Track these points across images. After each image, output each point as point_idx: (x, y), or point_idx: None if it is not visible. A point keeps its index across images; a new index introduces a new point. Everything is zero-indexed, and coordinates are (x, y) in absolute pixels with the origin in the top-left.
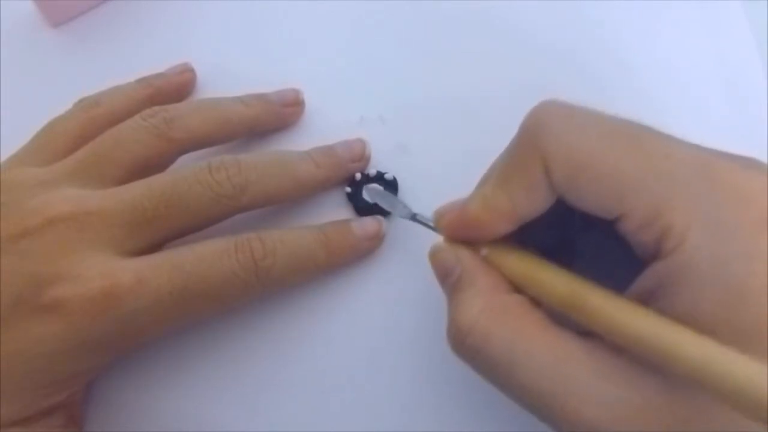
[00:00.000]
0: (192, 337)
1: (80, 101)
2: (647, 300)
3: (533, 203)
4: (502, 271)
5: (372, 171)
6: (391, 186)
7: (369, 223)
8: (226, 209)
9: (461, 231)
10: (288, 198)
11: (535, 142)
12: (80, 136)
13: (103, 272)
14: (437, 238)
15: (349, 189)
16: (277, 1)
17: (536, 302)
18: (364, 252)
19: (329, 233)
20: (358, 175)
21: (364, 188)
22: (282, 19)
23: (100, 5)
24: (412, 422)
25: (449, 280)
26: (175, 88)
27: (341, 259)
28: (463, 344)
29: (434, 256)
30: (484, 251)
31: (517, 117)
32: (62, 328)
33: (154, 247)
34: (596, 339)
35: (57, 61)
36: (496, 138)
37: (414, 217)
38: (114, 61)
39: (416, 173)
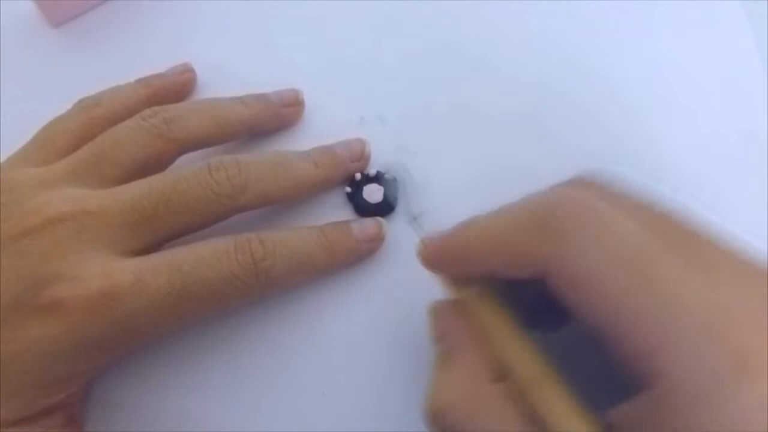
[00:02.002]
0: (192, 337)
1: (80, 101)
2: (622, 430)
3: (518, 273)
4: (477, 318)
5: (372, 171)
6: (391, 186)
7: (369, 225)
8: (225, 209)
9: (451, 256)
10: (288, 198)
11: (542, 248)
12: (80, 137)
13: (101, 273)
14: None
15: (349, 189)
16: (277, 1)
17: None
18: (364, 254)
19: (329, 234)
20: (358, 175)
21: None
22: (282, 19)
23: (100, 5)
24: (412, 423)
25: (439, 345)
26: (176, 88)
27: (341, 261)
28: (441, 420)
29: (432, 313)
30: (467, 293)
31: (517, 117)
32: (61, 328)
33: (154, 246)
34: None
35: (57, 61)
36: (496, 138)
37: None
38: (114, 61)
39: (416, 173)
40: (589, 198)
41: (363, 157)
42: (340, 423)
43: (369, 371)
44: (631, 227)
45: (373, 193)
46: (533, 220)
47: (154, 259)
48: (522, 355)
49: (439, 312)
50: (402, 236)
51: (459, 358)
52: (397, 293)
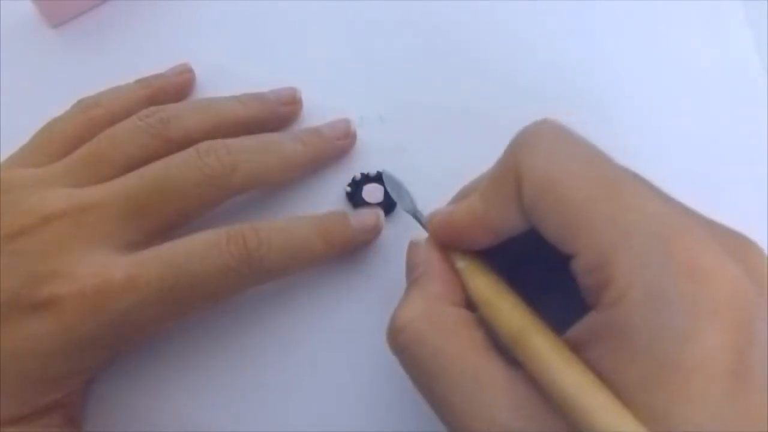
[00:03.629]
0: (191, 337)
1: (79, 102)
2: (579, 348)
3: (507, 219)
4: (467, 287)
5: (372, 171)
6: (391, 186)
7: (366, 215)
8: (218, 191)
9: (446, 235)
10: (279, 178)
11: (514, 158)
12: (79, 137)
13: (96, 270)
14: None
15: (348, 189)
16: (276, 1)
17: (482, 323)
18: (360, 244)
19: (326, 223)
20: (358, 175)
21: (382, 173)
22: (282, 19)
23: (100, 5)
24: (411, 420)
25: (411, 275)
26: (175, 88)
27: (337, 250)
28: (395, 339)
29: (409, 248)
30: (461, 264)
31: (516, 117)
32: (58, 325)
33: (152, 238)
34: (522, 370)
35: (56, 61)
36: (495, 138)
37: (415, 214)
38: (113, 61)
39: (415, 173)
40: (553, 123)
41: (349, 135)
42: (340, 422)
43: (369, 371)
44: (594, 149)
45: (372, 193)
46: (507, 153)
47: (147, 254)
48: (513, 307)
49: (417, 245)
50: (402, 236)
51: (428, 282)
52: (397, 292)
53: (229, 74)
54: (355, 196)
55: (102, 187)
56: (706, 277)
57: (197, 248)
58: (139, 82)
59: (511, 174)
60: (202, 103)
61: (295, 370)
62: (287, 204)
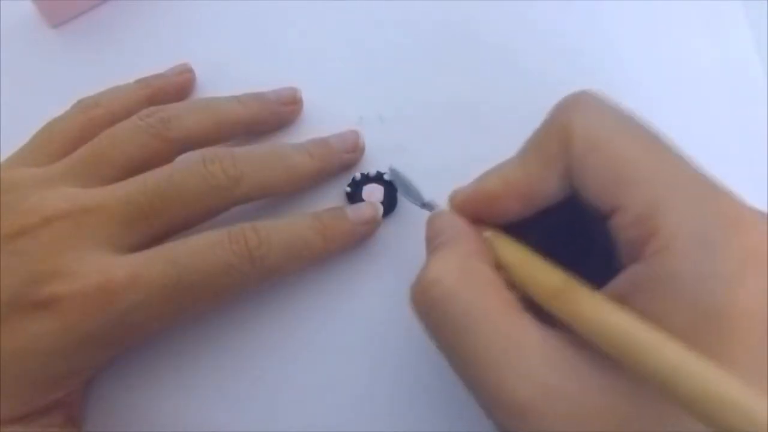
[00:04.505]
0: (191, 337)
1: (79, 102)
2: (620, 301)
3: (547, 183)
4: (497, 253)
5: (372, 171)
6: (391, 186)
7: (364, 208)
8: (221, 201)
9: (474, 207)
10: (284, 189)
11: (561, 118)
12: (79, 137)
13: (98, 269)
14: None
15: (348, 189)
16: (276, 1)
17: (511, 285)
18: (359, 237)
19: (324, 219)
20: (358, 175)
21: (389, 170)
22: (281, 19)
23: (100, 5)
24: (411, 420)
25: (436, 240)
26: (175, 88)
27: (337, 245)
28: (425, 294)
29: (431, 220)
30: (487, 233)
31: (516, 117)
32: (59, 325)
33: (153, 242)
34: (556, 330)
35: (56, 61)
36: (495, 138)
37: (424, 205)
38: (113, 62)
39: (415, 173)
40: (596, 92)
41: (357, 148)
42: (340, 422)
43: (369, 370)
44: (637, 116)
45: (373, 193)
46: (553, 115)
47: (149, 253)
48: (549, 267)
49: (437, 216)
50: (402, 235)
51: (458, 242)
52: (398, 292)
53: (229, 74)
54: (355, 196)
55: (104, 190)
56: (747, 227)
57: (199, 247)
58: (139, 82)
59: (559, 134)
60: (203, 103)
61: (295, 370)
62: (287, 204)
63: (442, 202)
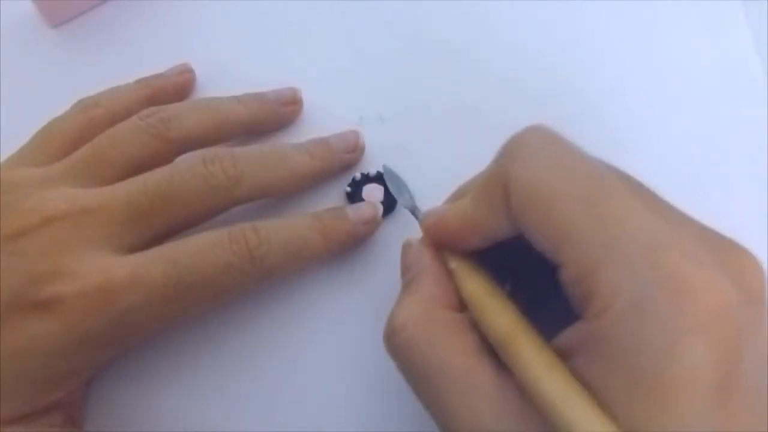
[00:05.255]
0: (191, 337)
1: (79, 102)
2: (566, 355)
3: (496, 224)
4: (459, 288)
5: (372, 171)
6: (391, 186)
7: (364, 208)
8: (221, 201)
9: (438, 235)
10: (284, 189)
11: (503, 165)
12: (79, 137)
13: (98, 269)
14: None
15: (348, 189)
16: (276, 1)
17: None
18: (359, 237)
19: (324, 219)
20: (358, 175)
21: (382, 167)
22: (282, 19)
23: (100, 5)
24: (411, 420)
25: (406, 277)
26: (175, 88)
27: (337, 245)
28: (390, 340)
29: (403, 249)
30: (453, 264)
31: (516, 117)
32: (59, 325)
33: (153, 242)
34: (514, 377)
35: (56, 61)
36: (495, 138)
37: (413, 210)
38: (114, 61)
39: (415, 173)
40: (545, 129)
41: (357, 148)
42: (340, 422)
43: (369, 371)
44: (584, 157)
45: (372, 193)
46: (497, 159)
47: (150, 253)
48: (502, 311)
49: (411, 246)
50: (402, 235)
51: (422, 285)
52: (397, 292)
53: (229, 74)
54: (355, 197)
55: (104, 190)
56: (690, 290)
57: (199, 247)
58: (139, 82)
59: (499, 181)
60: (203, 103)
61: (295, 371)
62: (287, 204)
63: (439, 203)
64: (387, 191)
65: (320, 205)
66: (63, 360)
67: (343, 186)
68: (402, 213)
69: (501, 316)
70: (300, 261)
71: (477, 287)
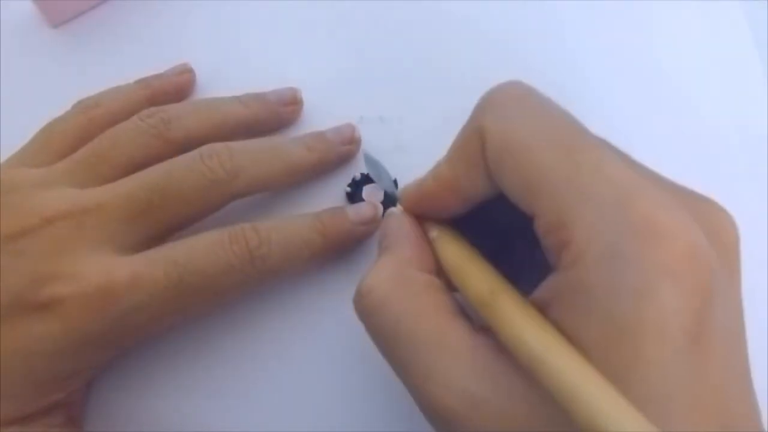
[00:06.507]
0: (192, 337)
1: (79, 102)
2: (543, 308)
3: (474, 183)
4: (439, 255)
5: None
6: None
7: (364, 208)
8: (220, 195)
9: (417, 204)
10: (282, 182)
11: (478, 119)
12: (79, 137)
13: (99, 270)
14: None
15: (348, 189)
16: (277, 1)
17: (451, 289)
18: (359, 237)
19: (324, 219)
20: (358, 175)
21: (363, 154)
22: (282, 19)
23: (100, 5)
24: (411, 420)
25: (383, 242)
26: (175, 88)
27: (337, 245)
28: (360, 303)
29: (384, 218)
30: (434, 233)
31: None
32: (60, 326)
33: (154, 240)
34: (489, 337)
35: (57, 61)
36: None
37: (393, 193)
38: (114, 62)
39: (415, 173)
40: (520, 84)
41: (353, 140)
42: (340, 422)
43: (369, 371)
44: (560, 112)
45: (373, 194)
46: (473, 115)
47: (151, 254)
48: (483, 272)
49: (392, 214)
50: None
51: (397, 248)
52: None
53: (229, 74)
54: (355, 197)
55: (103, 189)
56: (662, 236)
57: (200, 247)
58: (139, 82)
59: (474, 135)
60: (203, 104)
61: (295, 371)
62: (287, 204)
63: None
64: (387, 191)
65: (320, 205)
66: (64, 360)
67: (343, 186)
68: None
69: (481, 277)
70: (300, 261)
71: (458, 251)
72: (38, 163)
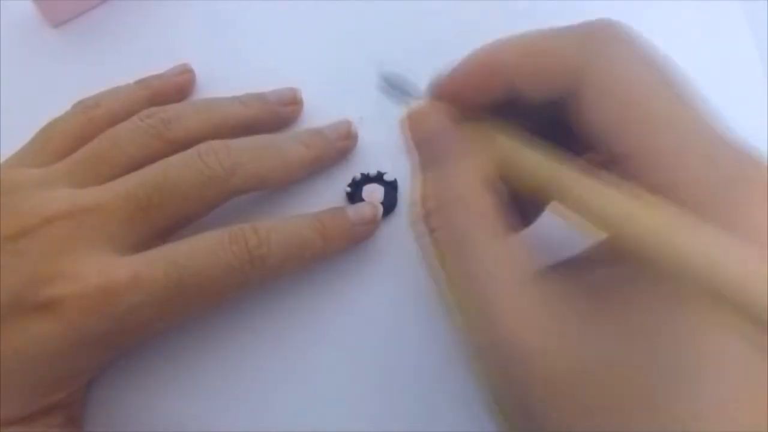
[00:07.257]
0: (192, 337)
1: (79, 102)
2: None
3: (534, 86)
4: (493, 145)
5: (372, 171)
6: (391, 187)
7: (364, 208)
8: (219, 192)
9: (456, 88)
10: (280, 179)
11: (581, 54)
12: (79, 138)
13: (99, 270)
14: None
15: (348, 189)
16: (277, 1)
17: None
18: (360, 237)
19: (324, 219)
20: (358, 175)
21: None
22: (282, 19)
23: (100, 5)
24: (411, 420)
25: (429, 147)
26: (175, 88)
27: (337, 245)
28: (445, 213)
29: (412, 117)
30: (485, 123)
31: None
32: (60, 326)
33: (154, 240)
34: (556, 280)
35: (57, 62)
36: None
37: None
38: (114, 62)
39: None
40: (626, 25)
41: (350, 136)
42: (340, 423)
43: (368, 371)
44: (664, 59)
45: (372, 193)
46: (573, 33)
47: (151, 254)
48: (545, 156)
49: (424, 112)
50: (402, 235)
51: (454, 161)
52: (398, 292)
53: (229, 74)
54: (355, 197)
55: (103, 188)
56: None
57: (200, 247)
58: (139, 82)
59: (567, 63)
60: (203, 104)
61: (295, 371)
62: (287, 204)
63: None
64: (387, 191)
65: (320, 205)
66: (64, 361)
67: (343, 186)
68: (402, 213)
69: (545, 159)
70: (300, 261)
71: (510, 140)
72: (38, 163)
